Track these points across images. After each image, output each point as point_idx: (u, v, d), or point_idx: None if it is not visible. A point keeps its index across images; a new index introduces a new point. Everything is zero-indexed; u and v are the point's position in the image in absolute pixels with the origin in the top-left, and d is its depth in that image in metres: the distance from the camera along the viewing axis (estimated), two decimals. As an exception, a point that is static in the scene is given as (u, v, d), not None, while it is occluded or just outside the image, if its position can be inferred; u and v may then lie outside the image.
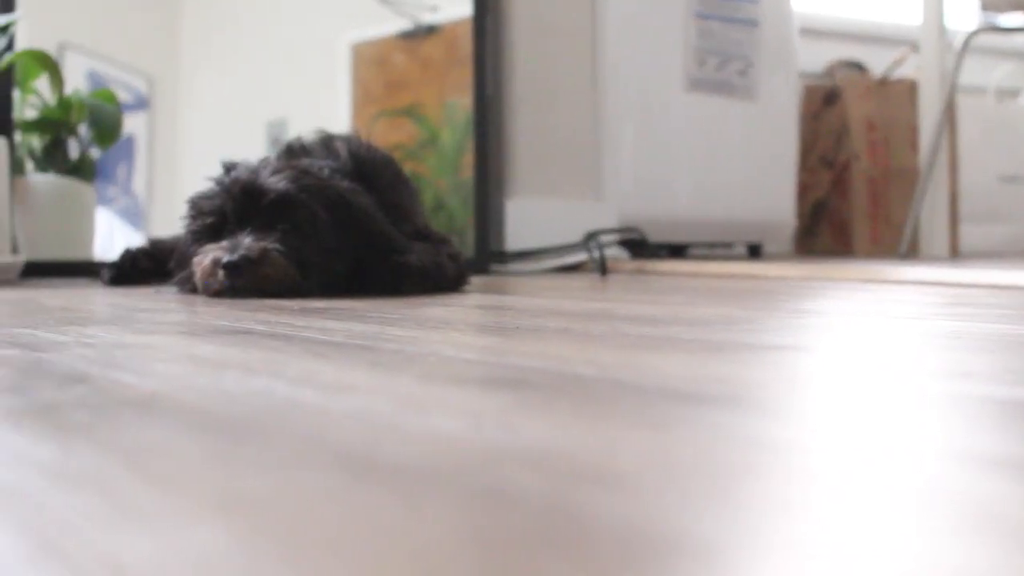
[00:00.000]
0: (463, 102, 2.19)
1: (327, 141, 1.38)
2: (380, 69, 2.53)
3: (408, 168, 1.49)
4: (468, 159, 2.15)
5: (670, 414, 0.41)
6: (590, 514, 0.26)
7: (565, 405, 0.42)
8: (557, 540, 0.24)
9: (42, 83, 1.83)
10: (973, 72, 2.83)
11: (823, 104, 2.85)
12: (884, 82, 2.84)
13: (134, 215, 2.71)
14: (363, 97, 2.56)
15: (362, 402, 0.43)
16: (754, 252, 2.47)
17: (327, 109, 2.59)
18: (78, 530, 0.25)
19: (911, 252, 2.50)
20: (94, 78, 2.57)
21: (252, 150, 1.71)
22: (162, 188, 2.73)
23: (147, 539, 0.25)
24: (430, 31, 2.36)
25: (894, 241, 2.68)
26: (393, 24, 2.44)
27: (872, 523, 0.26)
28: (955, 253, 2.56)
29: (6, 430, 0.38)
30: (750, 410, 0.42)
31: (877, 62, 3.02)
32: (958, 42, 2.51)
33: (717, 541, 0.24)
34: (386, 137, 2.17)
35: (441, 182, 2.28)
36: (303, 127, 1.50)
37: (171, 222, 1.47)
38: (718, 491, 0.29)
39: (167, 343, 0.69)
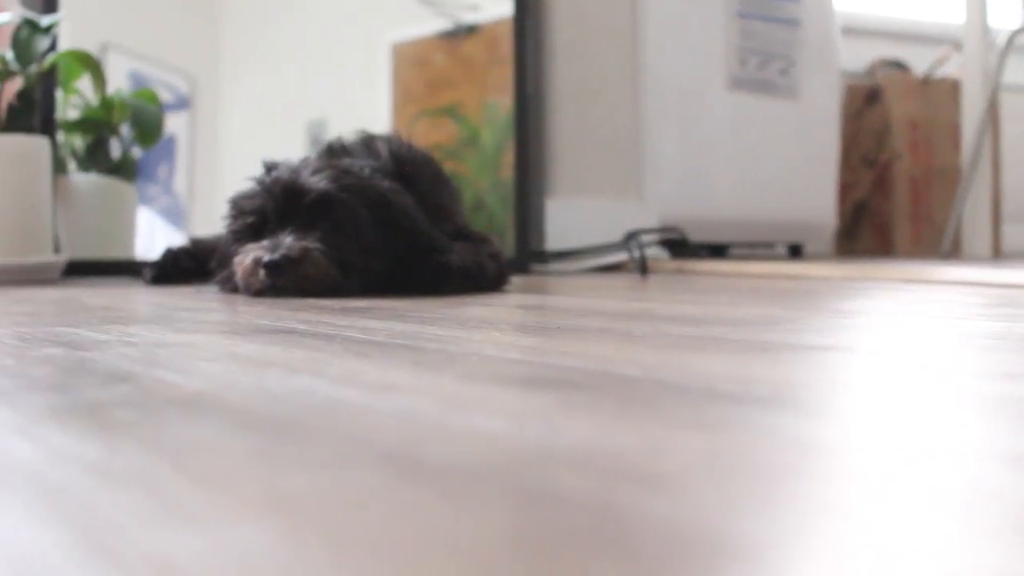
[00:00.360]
0: (503, 101, 2.19)
1: (368, 141, 1.38)
2: (420, 69, 2.53)
3: (448, 168, 1.49)
4: (508, 159, 2.15)
5: (714, 415, 0.41)
6: (635, 514, 0.26)
7: (609, 405, 0.42)
8: (602, 540, 0.24)
9: (84, 83, 1.84)
10: (1016, 71, 2.81)
11: (865, 103, 2.84)
12: (926, 81, 2.83)
13: (175, 214, 2.72)
14: (403, 97, 2.56)
15: (405, 402, 0.43)
16: (795, 252, 2.46)
17: (367, 109, 2.60)
18: (124, 529, 0.25)
19: (953, 252, 2.49)
20: (136, 78, 2.58)
21: (292, 150, 1.71)
22: (203, 188, 2.75)
23: (193, 538, 0.25)
24: (470, 31, 2.36)
25: (936, 241, 2.67)
26: (433, 24, 2.44)
27: (913, 524, 0.26)
28: (997, 253, 2.55)
29: (51, 429, 0.38)
30: (793, 411, 0.42)
31: (919, 61, 3.01)
32: (1001, 41, 2.49)
33: (761, 541, 0.24)
34: (426, 137, 2.17)
35: (481, 182, 2.28)
36: (343, 127, 1.51)
37: (212, 221, 1.48)
38: (762, 492, 0.29)
39: (209, 342, 0.69)
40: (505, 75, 2.17)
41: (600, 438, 0.35)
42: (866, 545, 0.24)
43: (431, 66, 2.50)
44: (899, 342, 0.70)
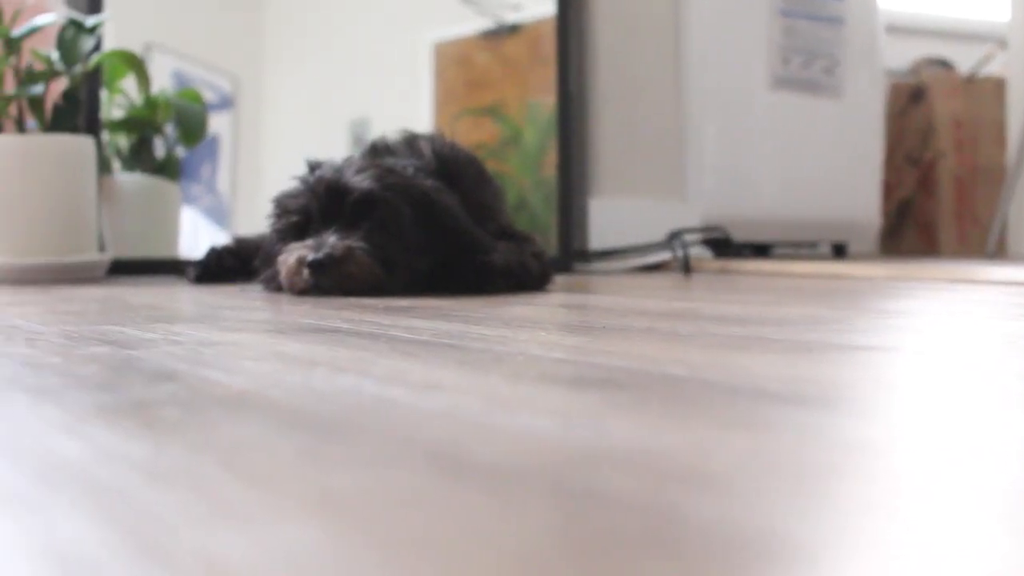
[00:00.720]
0: (546, 101, 2.19)
1: (411, 140, 1.38)
2: (462, 68, 2.53)
3: (490, 167, 1.49)
4: (550, 158, 2.14)
5: (760, 415, 0.40)
6: (682, 514, 0.26)
7: (655, 405, 0.42)
8: (650, 540, 0.24)
9: (129, 83, 1.85)
10: (1063, 69, 2.79)
11: (909, 102, 2.82)
12: (971, 79, 2.81)
13: (218, 213, 2.74)
14: (445, 96, 2.57)
15: (451, 401, 0.43)
16: (838, 252, 2.45)
17: (409, 108, 2.60)
18: (171, 527, 0.25)
19: (998, 252, 2.47)
20: (179, 78, 2.59)
21: (334, 149, 1.71)
22: (246, 187, 2.76)
23: (240, 537, 0.24)
24: (512, 30, 2.36)
25: (981, 241, 2.65)
26: (475, 23, 2.44)
27: (958, 524, 0.26)
28: (1044, 253, 2.53)
29: (98, 427, 0.38)
30: (839, 411, 0.42)
31: (964, 59, 2.99)
32: (1047, 39, 2.47)
33: (807, 541, 0.24)
34: (468, 136, 2.17)
35: (523, 181, 2.27)
36: (385, 126, 1.51)
37: (255, 220, 1.49)
38: (808, 491, 0.29)
39: (254, 341, 0.69)
40: (547, 74, 2.16)
41: (647, 438, 0.35)
42: (911, 545, 0.24)
43: (473, 65, 2.50)
44: (944, 342, 0.69)
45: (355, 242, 1.15)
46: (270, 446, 0.35)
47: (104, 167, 1.81)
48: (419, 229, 1.20)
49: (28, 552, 0.24)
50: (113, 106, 1.90)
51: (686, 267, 1.86)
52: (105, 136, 1.86)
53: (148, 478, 0.30)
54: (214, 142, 2.68)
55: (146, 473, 0.31)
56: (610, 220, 2.14)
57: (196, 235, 2.51)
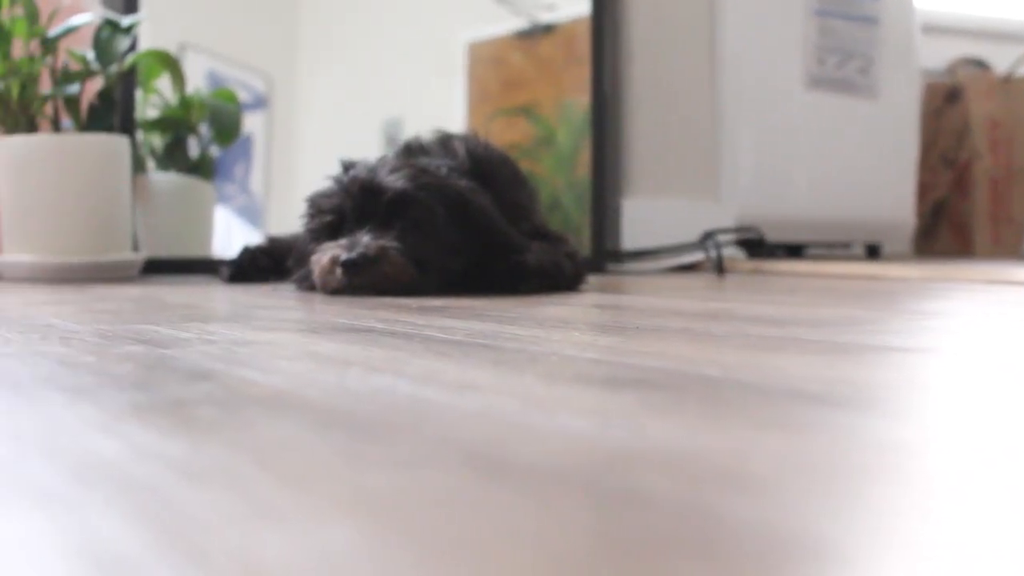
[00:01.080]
0: (580, 101, 2.19)
1: (445, 140, 1.38)
2: (496, 68, 2.53)
3: (524, 167, 1.49)
4: (584, 158, 2.14)
5: (797, 416, 0.40)
6: (719, 515, 0.26)
7: (691, 406, 0.42)
8: (690, 541, 0.24)
9: (164, 83, 1.86)
10: (1100, 69, 2.77)
11: (944, 102, 2.81)
12: (1008, 80, 2.79)
13: (252, 213, 2.74)
14: (479, 96, 2.57)
15: (487, 401, 0.43)
16: (873, 253, 2.44)
17: (443, 108, 2.60)
18: (209, 526, 0.25)
19: (1034, 253, 2.46)
20: (213, 78, 2.60)
21: (367, 149, 1.72)
22: (279, 186, 2.76)
23: (279, 536, 0.24)
24: (547, 30, 2.36)
25: (1016, 242, 2.63)
26: (509, 23, 2.44)
27: (992, 525, 0.26)
28: (1079, 255, 2.52)
29: (134, 426, 0.38)
30: (875, 412, 0.41)
31: (1001, 59, 2.97)
32: (1085, 39, 2.46)
33: (843, 542, 0.24)
34: (502, 136, 2.17)
35: (557, 181, 2.27)
36: (419, 126, 1.51)
37: (288, 220, 1.49)
38: (845, 493, 0.29)
39: (289, 340, 0.69)
40: (582, 75, 2.16)
41: (685, 439, 0.35)
42: (944, 546, 0.24)
43: (507, 65, 2.50)
44: (979, 344, 0.69)
45: (389, 242, 1.15)
46: (306, 446, 0.35)
47: (139, 167, 1.82)
48: (453, 229, 1.20)
49: (64, 551, 0.24)
50: (148, 106, 1.90)
51: (719, 268, 1.85)
52: (140, 136, 1.87)
53: (184, 477, 0.30)
54: (248, 142, 2.69)
55: (182, 472, 0.31)
56: (643, 220, 2.13)
57: (229, 234, 2.52)
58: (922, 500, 0.28)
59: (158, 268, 1.75)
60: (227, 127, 1.90)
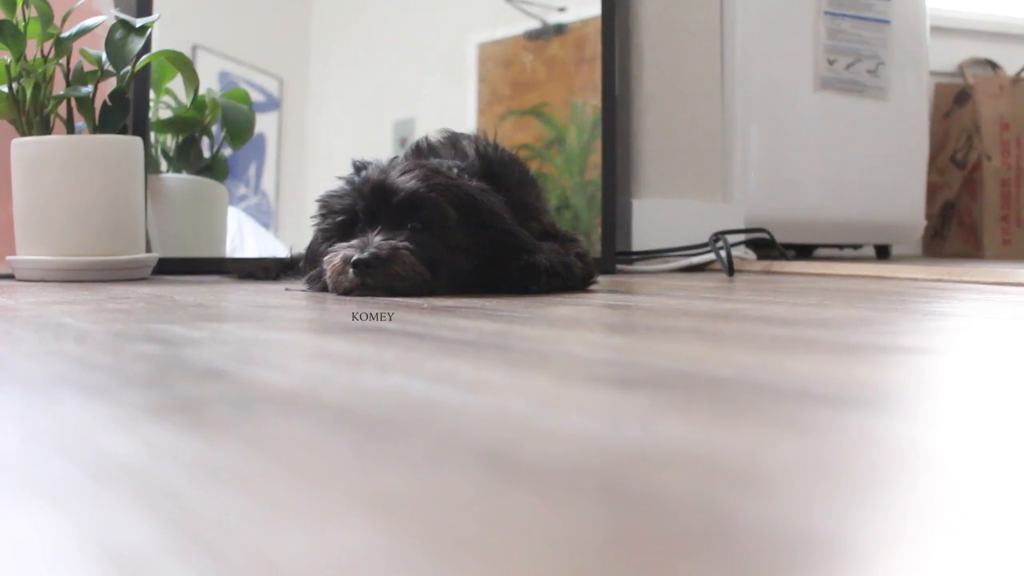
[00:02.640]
0: (590, 102, 2.19)
1: (454, 140, 1.38)
2: (507, 69, 2.53)
3: (534, 168, 1.49)
4: (594, 159, 2.14)
5: (808, 416, 0.40)
6: (734, 515, 0.26)
7: (703, 406, 0.42)
8: (703, 542, 0.24)
9: (176, 84, 1.86)
10: (1111, 70, 2.77)
11: (954, 103, 2.81)
12: (1017, 81, 2.79)
13: (263, 213, 2.74)
14: (489, 97, 2.57)
15: (499, 401, 0.43)
16: (882, 253, 2.44)
17: (454, 109, 2.60)
18: (224, 525, 0.26)
19: (1044, 254, 2.45)
20: (225, 79, 2.60)
21: (379, 149, 1.72)
22: (290, 187, 2.76)
23: (294, 535, 0.25)
24: (557, 31, 2.36)
25: (1026, 242, 2.63)
26: (520, 24, 2.44)
27: (1005, 526, 0.25)
28: (1089, 255, 2.51)
29: (148, 424, 0.38)
30: (886, 413, 0.42)
31: (1010, 60, 2.97)
32: (1096, 40, 2.45)
33: (857, 543, 0.24)
34: (513, 137, 2.17)
35: (567, 181, 2.27)
36: (430, 127, 1.51)
37: (299, 221, 1.49)
38: (857, 494, 0.29)
39: (302, 340, 0.70)
40: (592, 75, 2.16)
41: (697, 439, 0.35)
42: (958, 547, 0.24)
43: (517, 66, 2.50)
44: (991, 345, 0.69)
45: (401, 242, 1.15)
46: (320, 445, 0.35)
47: (152, 167, 1.82)
48: (464, 229, 1.20)
49: (81, 549, 0.24)
50: (161, 106, 1.91)
51: (729, 268, 1.85)
52: (153, 136, 1.87)
53: (199, 475, 0.31)
54: (260, 142, 2.69)
55: (197, 470, 0.31)
56: (653, 221, 2.13)
57: (241, 234, 2.52)
58: (933, 500, 0.28)
59: (170, 268, 1.75)
60: (240, 128, 1.90)
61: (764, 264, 1.97)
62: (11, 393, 0.47)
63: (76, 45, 1.58)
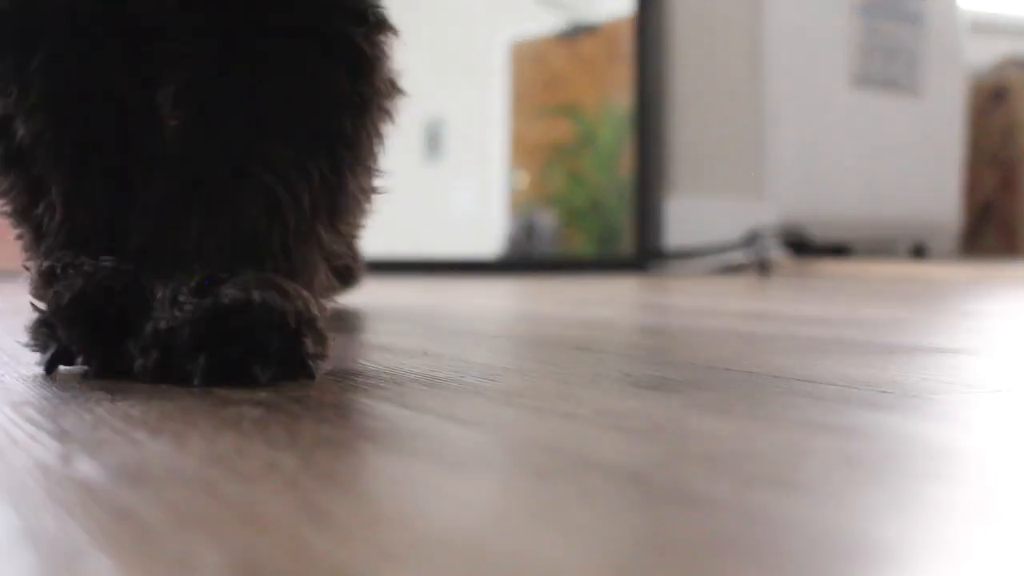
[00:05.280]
0: (622, 100, 2.19)
1: None
2: (538, 67, 2.53)
3: (566, 166, 1.49)
4: (626, 157, 2.14)
5: (846, 417, 0.40)
6: (771, 516, 0.26)
7: (739, 407, 0.42)
8: (743, 543, 0.24)
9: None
10: None
11: (991, 101, 2.79)
12: (1055, 79, 2.77)
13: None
14: (521, 95, 2.57)
15: (531, 403, 0.43)
16: (918, 253, 2.43)
17: (485, 108, 2.60)
18: (264, 525, 0.25)
19: (1081, 253, 2.44)
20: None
21: (408, 148, 1.71)
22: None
23: (329, 537, 0.24)
24: (590, 30, 2.36)
25: (1063, 242, 2.62)
26: (551, 23, 2.44)
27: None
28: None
29: (178, 423, 0.38)
30: (924, 414, 0.41)
31: (1048, 59, 2.95)
32: None
33: (898, 545, 0.24)
34: (544, 135, 2.18)
35: (598, 180, 2.27)
36: (461, 126, 1.51)
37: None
38: (896, 495, 0.29)
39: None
40: (624, 74, 2.16)
41: (735, 440, 0.35)
42: (998, 549, 0.24)
43: (549, 65, 2.50)
44: (1032, 345, 0.69)
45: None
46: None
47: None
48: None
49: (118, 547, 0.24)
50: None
51: (764, 267, 1.85)
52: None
53: (233, 476, 0.30)
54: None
55: (232, 471, 0.31)
56: (686, 220, 2.13)
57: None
58: (974, 502, 0.28)
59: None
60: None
61: (799, 264, 1.96)
62: None
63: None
